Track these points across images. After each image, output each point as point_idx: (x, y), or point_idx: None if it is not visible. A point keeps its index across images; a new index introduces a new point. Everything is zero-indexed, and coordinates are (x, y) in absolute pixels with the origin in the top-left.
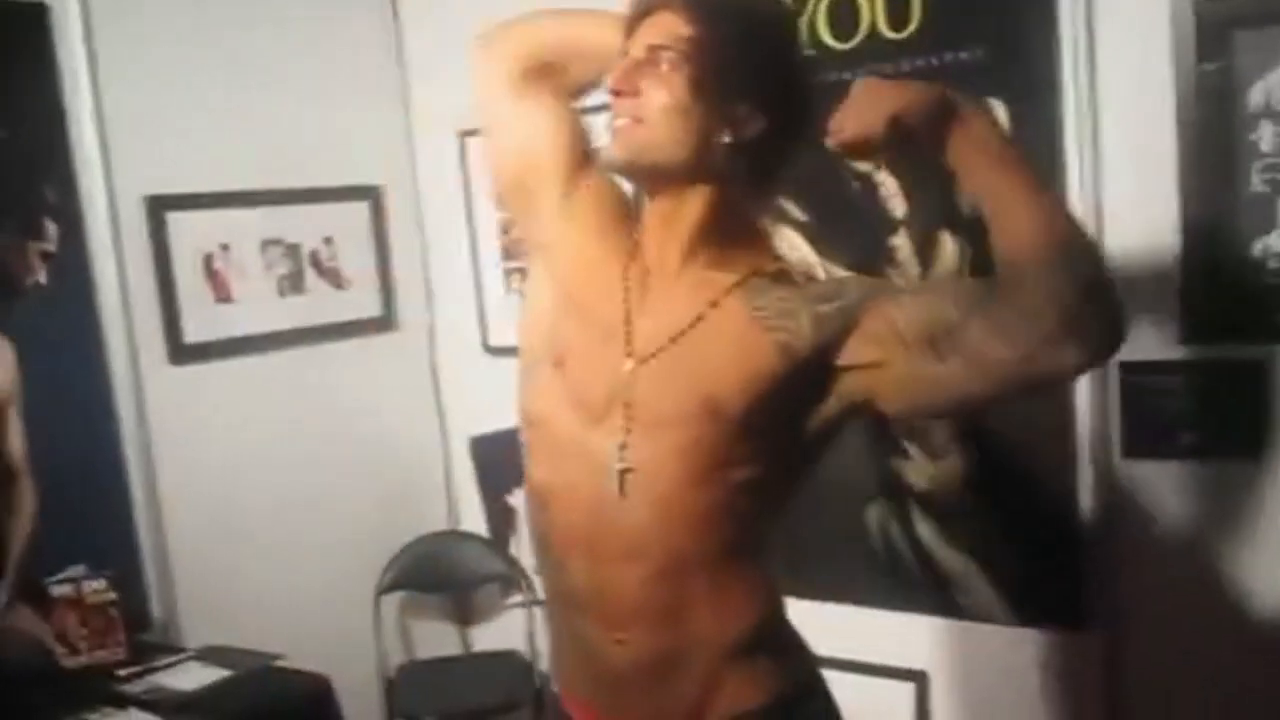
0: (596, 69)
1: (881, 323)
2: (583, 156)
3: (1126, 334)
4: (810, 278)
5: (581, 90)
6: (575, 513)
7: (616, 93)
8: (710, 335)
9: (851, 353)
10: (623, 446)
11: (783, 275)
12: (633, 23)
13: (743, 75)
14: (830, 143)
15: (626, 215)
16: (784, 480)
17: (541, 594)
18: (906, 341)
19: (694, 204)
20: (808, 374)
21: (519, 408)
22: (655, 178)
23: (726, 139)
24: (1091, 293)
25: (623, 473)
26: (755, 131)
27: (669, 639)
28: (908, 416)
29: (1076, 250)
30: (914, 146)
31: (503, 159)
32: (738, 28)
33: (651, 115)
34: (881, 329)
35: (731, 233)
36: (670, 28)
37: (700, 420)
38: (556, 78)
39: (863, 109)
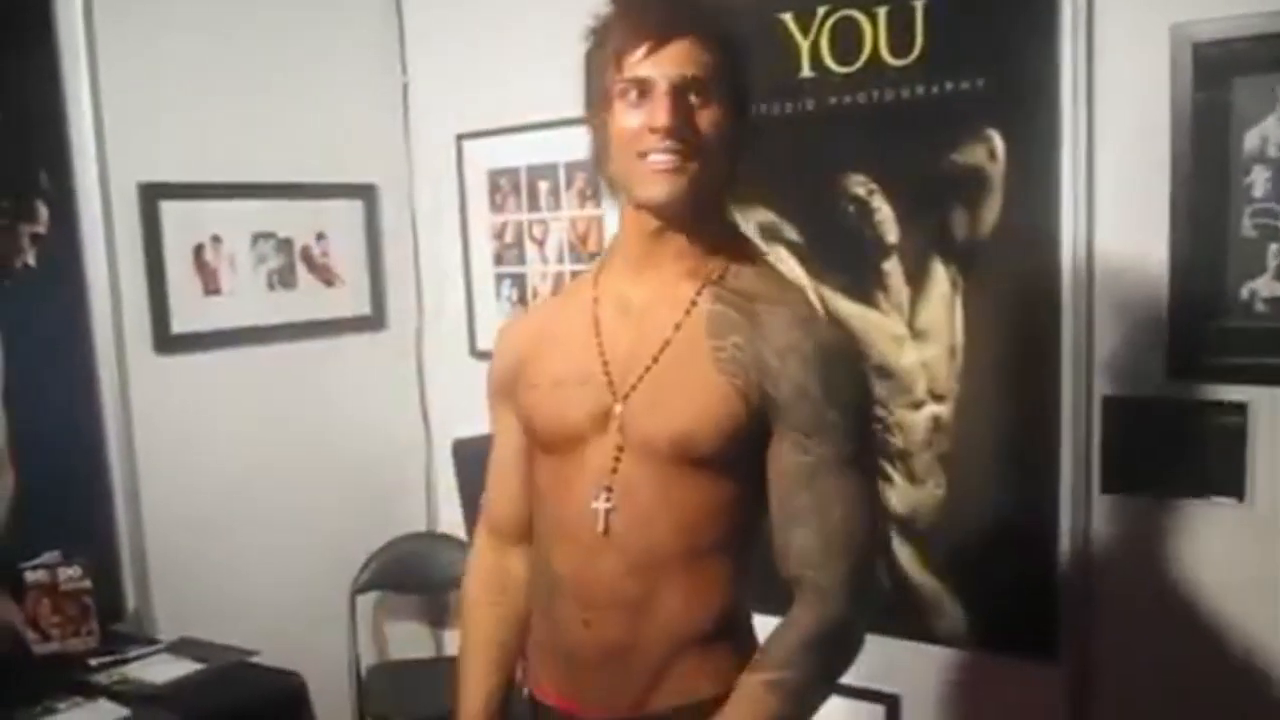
0: None
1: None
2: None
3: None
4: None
5: None
6: (568, 509)
7: (667, 131)
8: (674, 368)
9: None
10: (616, 461)
11: (740, 292)
12: (643, 51)
13: (747, 89)
14: None
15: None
16: (762, 492)
17: None
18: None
19: (692, 218)
20: (764, 414)
21: (522, 419)
22: (687, 210)
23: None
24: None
25: (608, 488)
26: (743, 132)
27: (633, 625)
28: None
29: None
30: None
31: None
32: (738, 43)
33: (703, 151)
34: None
35: (709, 231)
36: (693, 56)
37: (672, 453)
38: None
39: None
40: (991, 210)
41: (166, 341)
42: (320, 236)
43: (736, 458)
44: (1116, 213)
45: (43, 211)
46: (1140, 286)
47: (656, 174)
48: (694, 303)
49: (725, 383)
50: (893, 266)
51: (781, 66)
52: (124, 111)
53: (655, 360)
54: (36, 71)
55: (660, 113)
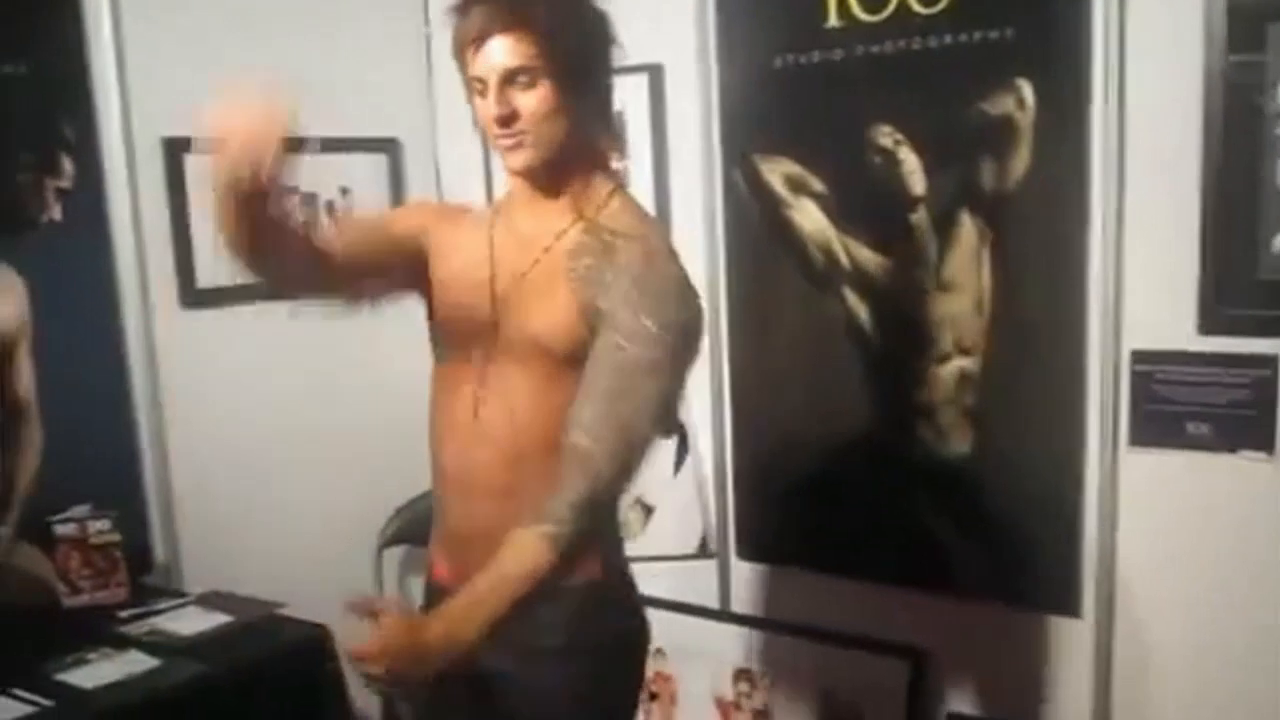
0: None
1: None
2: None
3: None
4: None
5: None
6: (454, 405)
7: (500, 121)
8: (540, 282)
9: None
10: (487, 365)
11: (604, 228)
12: (468, 48)
13: (584, 57)
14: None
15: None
16: None
17: None
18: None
19: (556, 170)
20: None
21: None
22: (545, 170)
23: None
24: None
25: (481, 382)
26: (605, 95)
27: (501, 508)
28: None
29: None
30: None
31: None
32: (559, 24)
33: (533, 128)
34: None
35: (579, 176)
36: (514, 49)
37: (532, 351)
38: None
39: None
40: (1020, 161)
41: (192, 296)
42: (344, 190)
43: (581, 358)
44: (1147, 162)
45: (68, 166)
46: (1171, 237)
47: (506, 151)
48: (564, 232)
49: (570, 295)
50: (919, 218)
51: (808, 16)
52: (147, 65)
53: (523, 276)
54: (60, 26)
55: (492, 106)
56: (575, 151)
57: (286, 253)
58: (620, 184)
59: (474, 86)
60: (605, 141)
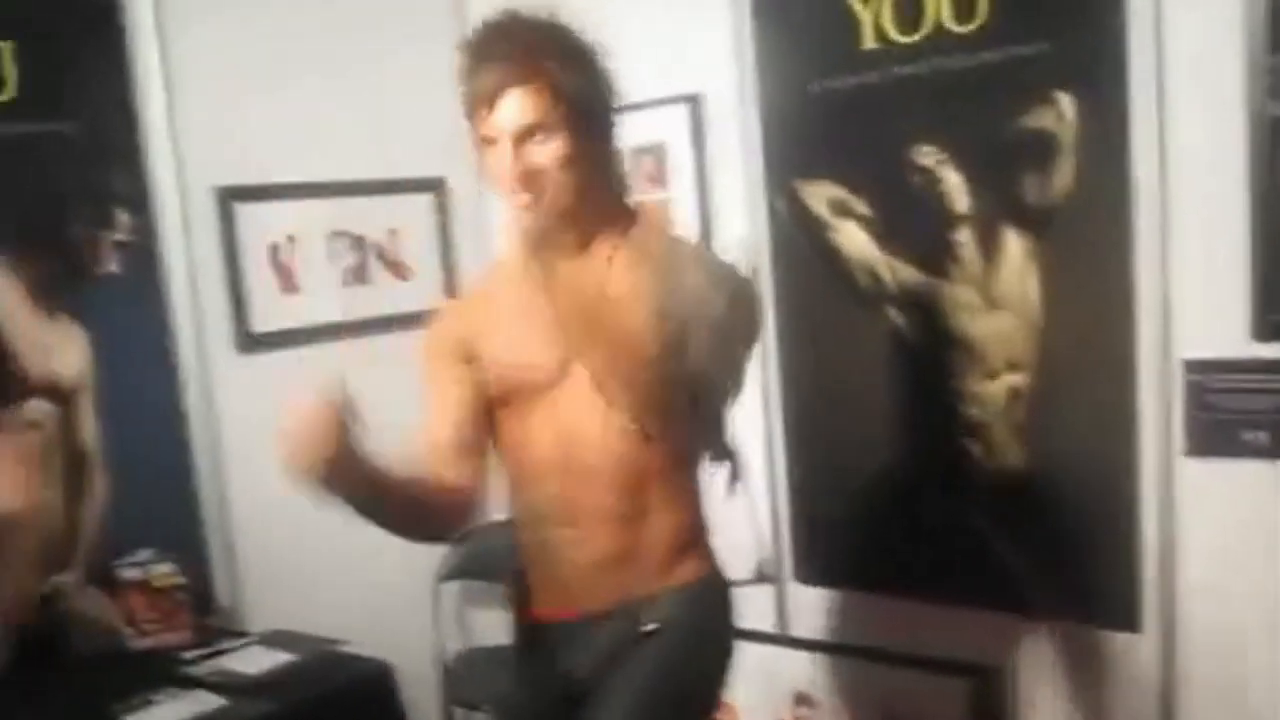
0: None
1: None
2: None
3: None
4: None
5: None
6: (550, 447)
7: (521, 179)
8: (604, 306)
9: None
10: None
11: (642, 245)
12: (481, 107)
13: (594, 104)
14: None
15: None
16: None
17: None
18: None
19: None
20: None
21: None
22: (567, 223)
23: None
24: None
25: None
26: (615, 144)
27: (620, 536)
28: None
29: None
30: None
31: None
32: (573, 73)
33: (549, 186)
34: None
35: (601, 210)
36: (528, 104)
37: (618, 369)
38: None
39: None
40: (1064, 174)
41: (247, 341)
42: (392, 232)
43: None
44: (1191, 169)
45: (123, 219)
46: (1218, 244)
47: (519, 209)
48: (610, 259)
49: (642, 307)
50: (964, 236)
51: (844, 40)
52: (197, 117)
53: (590, 310)
54: (110, 81)
55: (506, 164)
56: (591, 196)
57: (439, 511)
58: (642, 213)
59: (480, 141)
60: (617, 183)
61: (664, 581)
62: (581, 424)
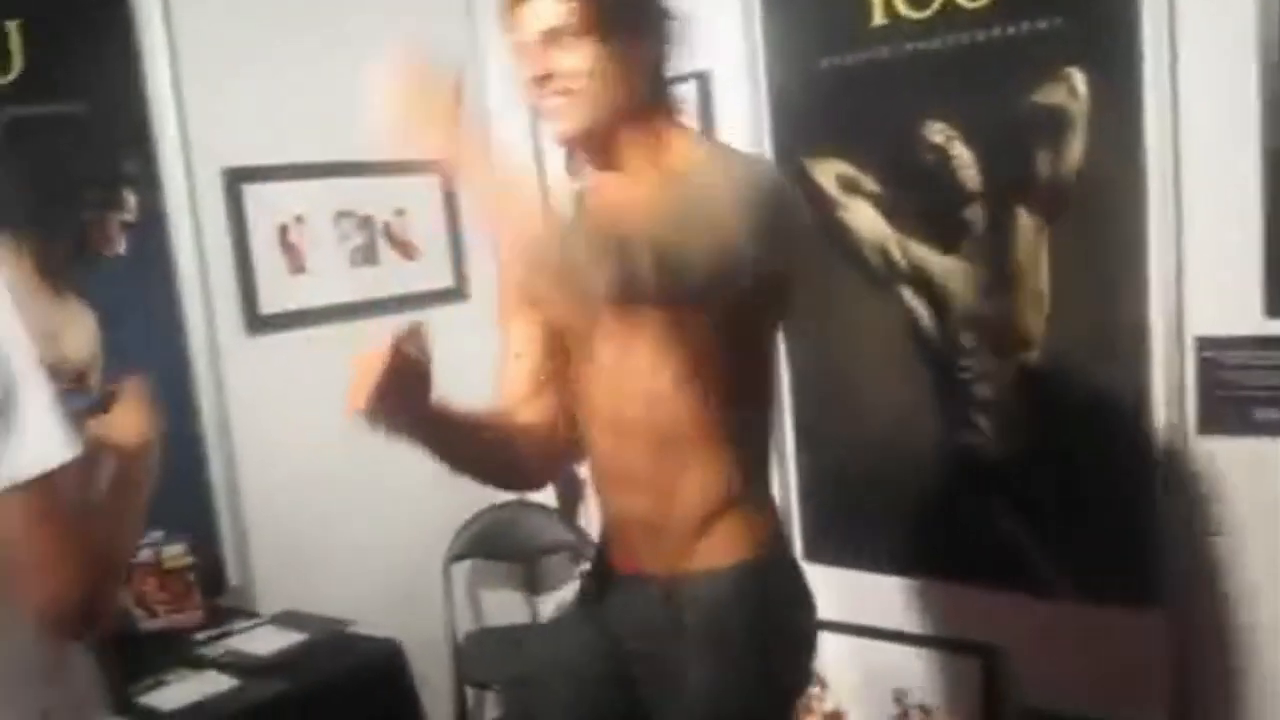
0: None
1: None
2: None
3: None
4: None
5: None
6: (603, 398)
7: (540, 79)
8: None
9: None
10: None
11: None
12: (509, 10)
13: (627, 12)
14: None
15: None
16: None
17: None
18: None
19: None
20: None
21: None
22: (600, 136)
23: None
24: None
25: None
26: (655, 56)
27: (656, 502)
28: None
29: None
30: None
31: None
32: None
33: (577, 83)
34: None
35: (648, 128)
36: (553, 6)
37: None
38: None
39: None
40: (1075, 151)
41: (256, 322)
42: (400, 212)
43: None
44: (1204, 145)
45: (131, 200)
46: (1231, 221)
47: (550, 114)
48: (640, 179)
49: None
50: (975, 213)
51: (854, 15)
52: (205, 98)
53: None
54: (118, 63)
55: (530, 66)
56: (630, 115)
57: (523, 454)
58: (699, 133)
59: (512, 52)
60: (665, 102)
61: (709, 558)
62: (623, 371)
